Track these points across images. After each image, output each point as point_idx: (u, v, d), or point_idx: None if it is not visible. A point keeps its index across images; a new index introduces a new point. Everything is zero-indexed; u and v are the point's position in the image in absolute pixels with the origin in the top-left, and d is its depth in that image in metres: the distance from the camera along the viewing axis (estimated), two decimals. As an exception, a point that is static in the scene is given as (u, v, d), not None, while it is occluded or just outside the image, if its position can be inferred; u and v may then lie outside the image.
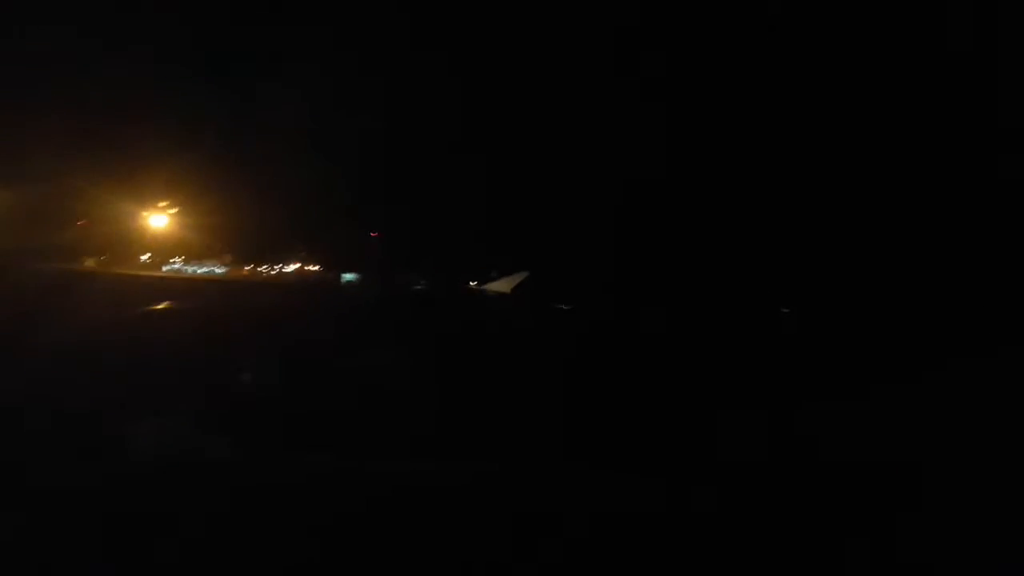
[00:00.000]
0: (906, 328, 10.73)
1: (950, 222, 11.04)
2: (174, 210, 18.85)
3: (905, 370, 7.61)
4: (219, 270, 20.02)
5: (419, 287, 19.03)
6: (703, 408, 6.23)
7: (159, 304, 12.79)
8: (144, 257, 18.47)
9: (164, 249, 18.73)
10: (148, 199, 18.45)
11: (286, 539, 3.34)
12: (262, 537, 3.33)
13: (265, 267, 20.63)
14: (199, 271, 19.76)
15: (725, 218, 13.13)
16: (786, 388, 7.06)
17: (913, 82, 10.77)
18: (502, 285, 18.58)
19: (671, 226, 13.66)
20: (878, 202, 11.62)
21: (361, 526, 3.45)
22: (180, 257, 19.43)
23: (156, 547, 3.22)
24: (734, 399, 6.59)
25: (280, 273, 20.48)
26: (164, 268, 18.95)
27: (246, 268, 20.57)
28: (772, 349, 11.04)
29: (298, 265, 20.15)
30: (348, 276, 19.46)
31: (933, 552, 3.29)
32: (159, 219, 18.85)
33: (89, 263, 17.69)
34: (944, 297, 10.92)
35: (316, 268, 19.99)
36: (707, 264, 13.42)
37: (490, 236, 16.87)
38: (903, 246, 11.59)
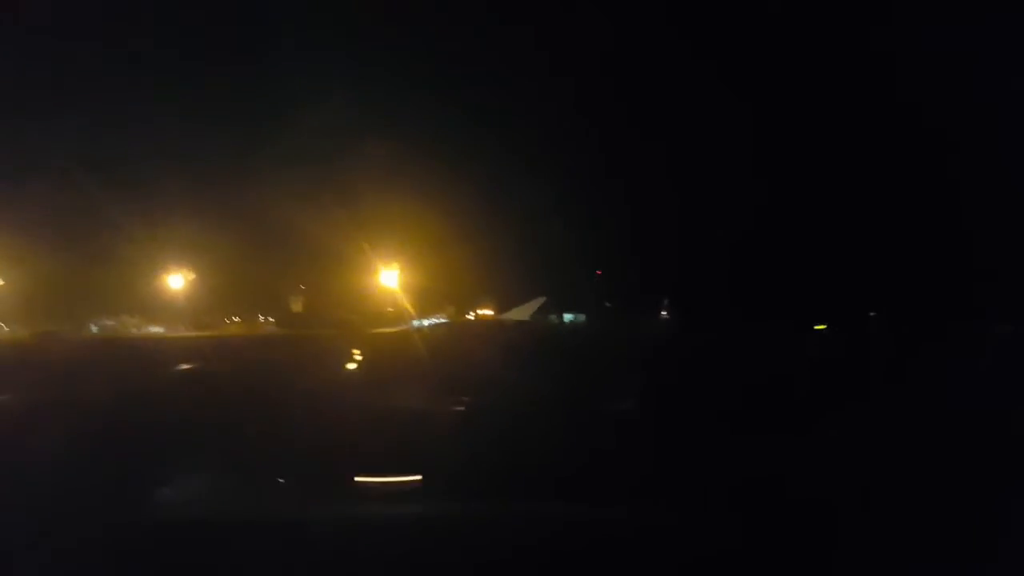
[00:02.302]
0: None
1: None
2: (395, 272, 21.01)
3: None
4: (443, 320, 21.93)
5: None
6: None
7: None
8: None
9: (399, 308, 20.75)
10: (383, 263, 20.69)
11: None
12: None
13: (489, 313, 22.37)
14: (432, 323, 21.65)
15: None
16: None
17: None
18: (520, 313, 20.14)
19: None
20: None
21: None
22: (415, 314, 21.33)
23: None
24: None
25: (503, 319, 22.17)
26: (414, 324, 20.81)
27: (468, 315, 22.42)
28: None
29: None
30: (569, 316, 20.98)
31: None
32: (390, 279, 21.05)
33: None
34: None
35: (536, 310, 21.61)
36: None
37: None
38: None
